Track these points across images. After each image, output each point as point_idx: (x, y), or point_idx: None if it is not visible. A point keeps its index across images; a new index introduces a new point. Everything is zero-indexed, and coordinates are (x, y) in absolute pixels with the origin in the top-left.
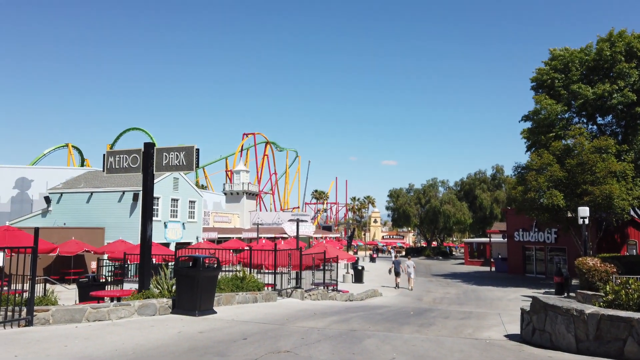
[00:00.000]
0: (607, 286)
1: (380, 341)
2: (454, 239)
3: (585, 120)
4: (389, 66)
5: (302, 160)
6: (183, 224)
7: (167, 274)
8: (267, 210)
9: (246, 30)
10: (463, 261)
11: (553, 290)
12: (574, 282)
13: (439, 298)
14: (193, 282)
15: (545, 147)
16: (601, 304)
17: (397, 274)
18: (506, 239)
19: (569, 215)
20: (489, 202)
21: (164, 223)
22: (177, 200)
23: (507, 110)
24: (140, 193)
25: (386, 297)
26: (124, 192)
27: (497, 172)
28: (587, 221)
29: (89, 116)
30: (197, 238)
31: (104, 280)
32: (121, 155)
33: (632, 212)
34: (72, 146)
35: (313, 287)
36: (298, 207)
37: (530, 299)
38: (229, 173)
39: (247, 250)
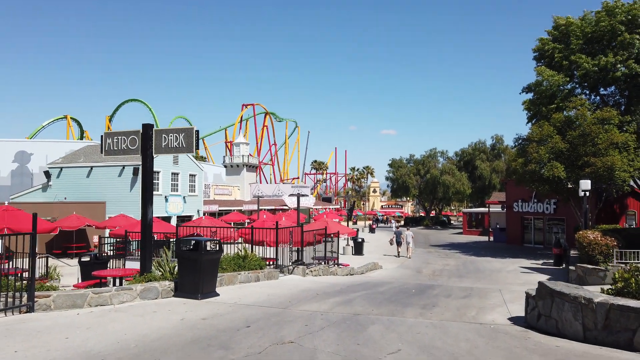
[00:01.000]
0: (617, 273)
1: (385, 328)
2: (452, 208)
3: (587, 92)
4: (389, 36)
5: (302, 131)
6: (184, 197)
7: (168, 255)
8: (267, 181)
9: (245, 0)
10: (461, 231)
11: (552, 261)
12: (572, 252)
13: (438, 270)
14: (195, 265)
15: (546, 118)
16: (609, 291)
17: (399, 244)
18: (505, 210)
19: (570, 186)
20: (488, 172)
21: (165, 197)
22: (177, 174)
23: (508, 80)
24: (140, 169)
25: (386, 270)
26: (124, 166)
27: (496, 142)
28: (588, 193)
29: (88, 88)
30: (198, 211)
31: (107, 255)
32: (119, 137)
33: (632, 183)
34: (71, 118)
35: (314, 261)
36: (298, 178)
37: (528, 270)
38: (228, 144)
39: (248, 228)
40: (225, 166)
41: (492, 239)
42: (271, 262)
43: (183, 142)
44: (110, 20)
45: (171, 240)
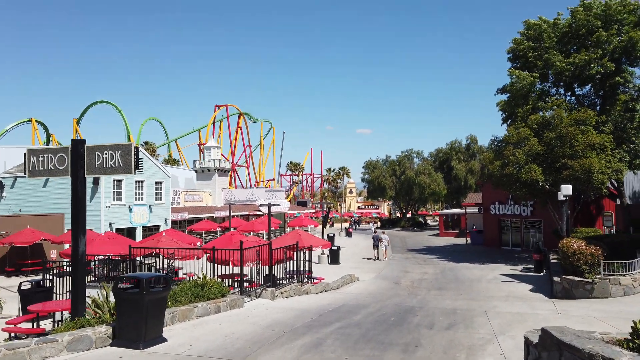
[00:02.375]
0: (638, 323)
1: None
2: (428, 207)
3: (562, 92)
4: (364, 36)
5: (277, 131)
6: (150, 206)
7: (108, 292)
8: (242, 184)
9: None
10: (438, 232)
11: (531, 266)
12: (552, 257)
13: (417, 280)
14: (136, 307)
15: (522, 120)
16: (631, 345)
17: (377, 247)
18: (482, 212)
19: (547, 187)
20: (463, 173)
21: (129, 207)
22: (142, 182)
23: (483, 80)
24: (102, 177)
25: (363, 282)
26: None
27: (471, 143)
28: (567, 198)
29: (54, 89)
30: (165, 221)
31: (50, 283)
32: (45, 155)
33: (608, 184)
34: (37, 121)
35: (286, 278)
36: (273, 180)
37: (509, 278)
38: (201, 147)
39: (209, 249)
40: (195, 171)
41: (469, 240)
42: (238, 281)
43: (120, 161)
44: (77, 17)
45: (126, 260)
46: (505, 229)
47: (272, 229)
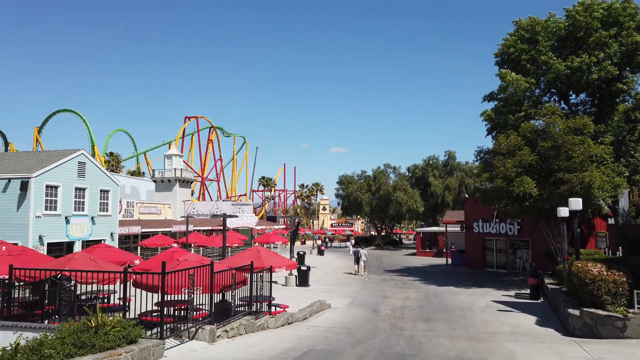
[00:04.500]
0: None
1: None
2: (402, 226)
3: (556, 99)
4: (339, 52)
5: (250, 146)
6: (92, 218)
7: None
8: (211, 198)
9: (186, 7)
10: (415, 251)
11: (524, 291)
12: (548, 282)
13: (398, 308)
14: None
15: (514, 128)
16: None
17: (357, 262)
18: (465, 231)
19: (540, 203)
20: (440, 190)
21: (66, 218)
22: (83, 189)
23: (462, 95)
24: (31, 181)
25: (336, 311)
26: (9, 179)
27: (449, 158)
28: (567, 213)
29: (14, 97)
30: (111, 235)
31: None
32: None
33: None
34: None
35: (240, 305)
36: (245, 195)
37: (504, 307)
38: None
39: (121, 272)
40: (155, 181)
41: (449, 261)
42: (184, 309)
43: None
44: (39, 23)
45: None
46: (490, 249)
47: (237, 245)
